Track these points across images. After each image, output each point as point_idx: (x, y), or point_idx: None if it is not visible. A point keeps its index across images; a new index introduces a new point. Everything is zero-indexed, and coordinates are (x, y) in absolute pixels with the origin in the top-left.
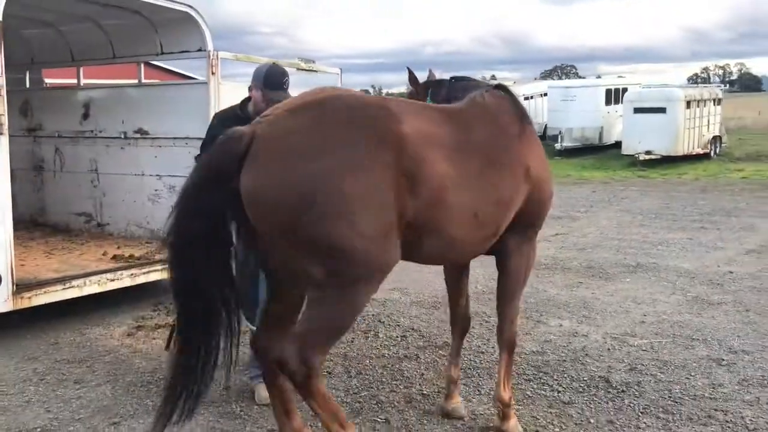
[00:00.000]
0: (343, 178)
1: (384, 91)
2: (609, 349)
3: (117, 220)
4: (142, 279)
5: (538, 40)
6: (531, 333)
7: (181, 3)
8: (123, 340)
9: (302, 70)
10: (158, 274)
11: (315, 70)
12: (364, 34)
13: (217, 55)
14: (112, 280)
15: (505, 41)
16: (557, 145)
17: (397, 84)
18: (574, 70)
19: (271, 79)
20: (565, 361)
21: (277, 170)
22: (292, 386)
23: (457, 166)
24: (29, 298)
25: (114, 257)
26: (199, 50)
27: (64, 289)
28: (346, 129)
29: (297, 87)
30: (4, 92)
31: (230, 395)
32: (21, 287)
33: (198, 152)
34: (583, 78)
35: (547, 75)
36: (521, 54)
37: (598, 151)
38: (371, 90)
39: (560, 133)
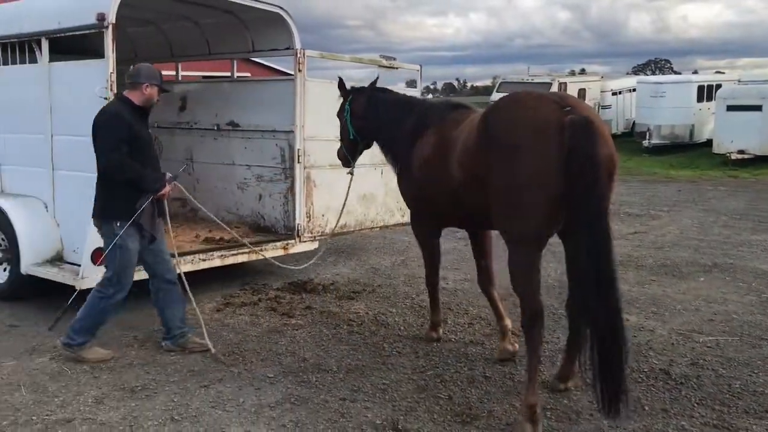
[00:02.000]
0: None
1: (469, 84)
2: (673, 344)
3: (209, 206)
4: (230, 260)
5: (631, 33)
6: None
7: (271, 4)
8: (212, 314)
9: (383, 67)
10: (245, 256)
11: (396, 67)
12: (449, 27)
13: (303, 53)
14: (204, 260)
15: (597, 34)
16: (645, 142)
17: (482, 77)
18: (668, 65)
19: (161, 77)
20: (628, 353)
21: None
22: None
23: None
24: None
25: (205, 240)
26: (287, 48)
27: None
28: None
29: (379, 83)
30: (115, 88)
31: (307, 366)
32: None
33: (278, 143)
34: (679, 73)
35: (639, 69)
36: (613, 47)
37: (688, 150)
38: (455, 83)
39: (648, 129)
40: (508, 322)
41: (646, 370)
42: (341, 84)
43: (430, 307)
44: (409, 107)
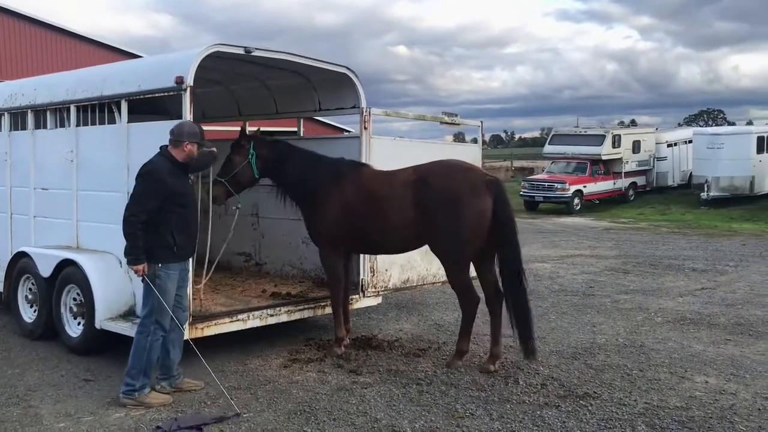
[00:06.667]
0: None
1: (516, 135)
2: (759, 409)
3: (273, 260)
4: (296, 315)
5: (681, 84)
6: (675, 388)
7: (339, 65)
8: (280, 371)
9: (445, 123)
10: (311, 311)
11: (457, 124)
12: (496, 80)
13: (369, 112)
14: (272, 316)
15: (646, 85)
16: (703, 195)
17: (529, 129)
18: (722, 115)
19: (202, 133)
20: (711, 418)
21: None
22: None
23: None
24: (202, 329)
25: (272, 294)
26: (353, 107)
27: (231, 322)
28: None
29: (440, 138)
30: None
31: (380, 427)
32: (196, 319)
33: None
34: (733, 124)
35: (691, 120)
36: (663, 98)
37: (749, 202)
38: (503, 135)
39: (706, 182)
40: (349, 325)
41: None
42: (243, 131)
43: (335, 324)
44: (317, 160)
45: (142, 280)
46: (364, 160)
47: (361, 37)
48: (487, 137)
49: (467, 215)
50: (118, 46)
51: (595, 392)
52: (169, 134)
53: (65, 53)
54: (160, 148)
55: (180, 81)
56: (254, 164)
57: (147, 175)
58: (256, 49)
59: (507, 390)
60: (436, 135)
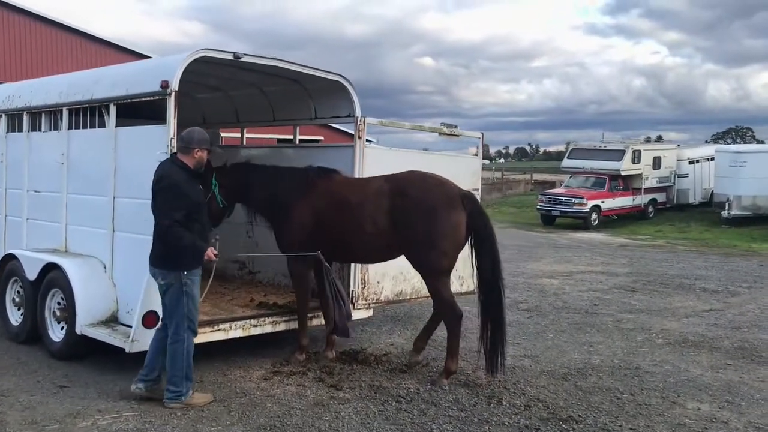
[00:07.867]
0: None
1: (541, 149)
2: None
3: (266, 269)
4: (282, 327)
5: (709, 101)
6: (664, 414)
7: (334, 73)
8: (259, 383)
9: (444, 134)
10: (296, 323)
11: (456, 135)
12: (521, 92)
13: (364, 121)
14: (255, 326)
15: (674, 101)
16: (724, 213)
17: (554, 142)
18: (750, 133)
19: (213, 140)
20: None
21: None
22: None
23: None
24: None
25: (260, 304)
26: (348, 116)
27: (212, 331)
28: None
29: (442, 150)
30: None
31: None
32: None
33: None
34: (762, 142)
35: (719, 137)
36: (691, 114)
37: None
38: (528, 148)
39: (728, 200)
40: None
41: None
42: (208, 162)
43: (301, 331)
44: (282, 173)
45: (164, 293)
46: (357, 170)
47: (388, 48)
48: (511, 150)
49: (443, 227)
50: (144, 53)
51: (579, 416)
52: (178, 141)
53: (91, 58)
54: (170, 155)
55: (165, 85)
56: (218, 195)
57: (173, 189)
58: (246, 54)
59: (488, 411)
60: (460, 147)
